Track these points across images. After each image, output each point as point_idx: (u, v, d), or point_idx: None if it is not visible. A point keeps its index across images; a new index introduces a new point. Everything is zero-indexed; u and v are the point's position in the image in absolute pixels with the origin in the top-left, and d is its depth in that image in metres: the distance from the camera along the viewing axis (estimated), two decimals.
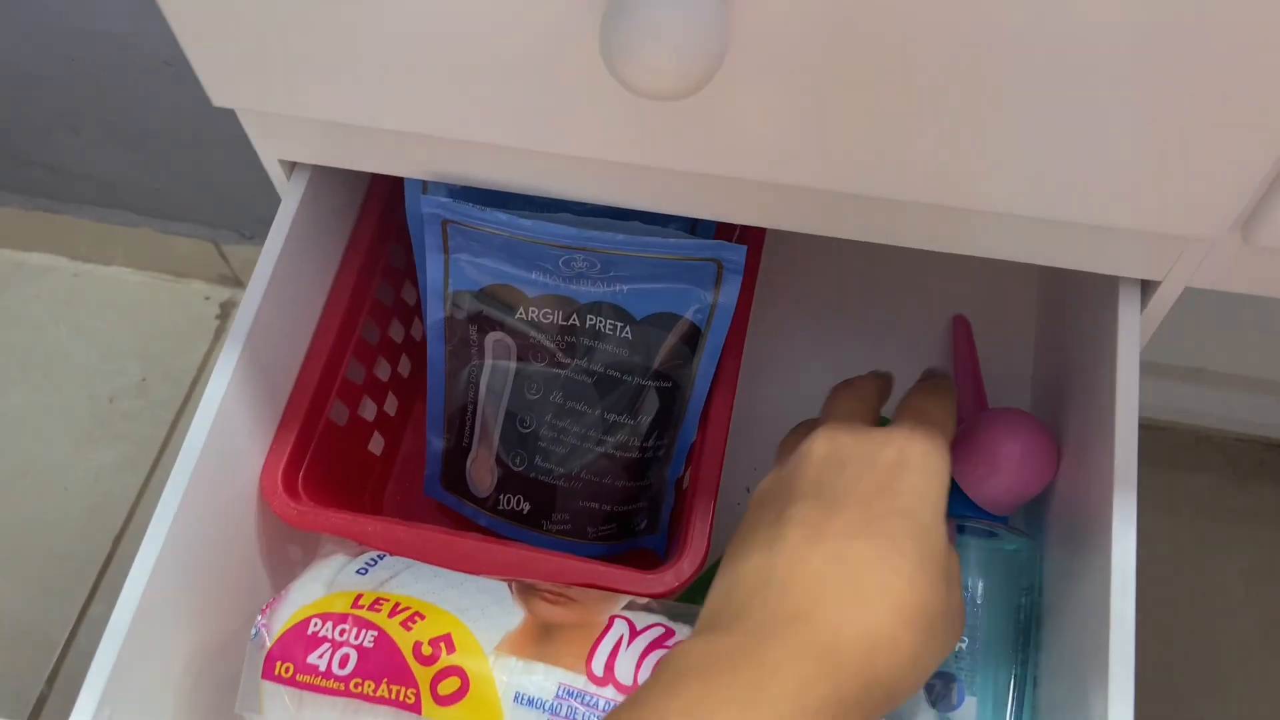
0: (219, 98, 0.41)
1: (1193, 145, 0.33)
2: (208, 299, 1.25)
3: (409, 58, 0.36)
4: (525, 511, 0.51)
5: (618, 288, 0.46)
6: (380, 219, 0.51)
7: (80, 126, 1.07)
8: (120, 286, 1.25)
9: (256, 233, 1.19)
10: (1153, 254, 0.39)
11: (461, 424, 0.51)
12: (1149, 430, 1.04)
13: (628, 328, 0.47)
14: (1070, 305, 0.51)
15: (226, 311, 1.25)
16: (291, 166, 0.47)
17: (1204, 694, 0.94)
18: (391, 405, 0.55)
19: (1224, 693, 0.95)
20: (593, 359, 0.48)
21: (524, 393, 0.49)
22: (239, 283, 1.25)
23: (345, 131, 0.42)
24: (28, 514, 1.11)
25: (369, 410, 0.53)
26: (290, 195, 0.46)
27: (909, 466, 0.35)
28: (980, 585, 0.47)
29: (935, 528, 0.34)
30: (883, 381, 0.43)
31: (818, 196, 0.40)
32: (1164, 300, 0.41)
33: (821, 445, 0.37)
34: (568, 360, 0.48)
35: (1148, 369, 0.92)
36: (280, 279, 0.45)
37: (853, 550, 0.33)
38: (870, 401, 0.41)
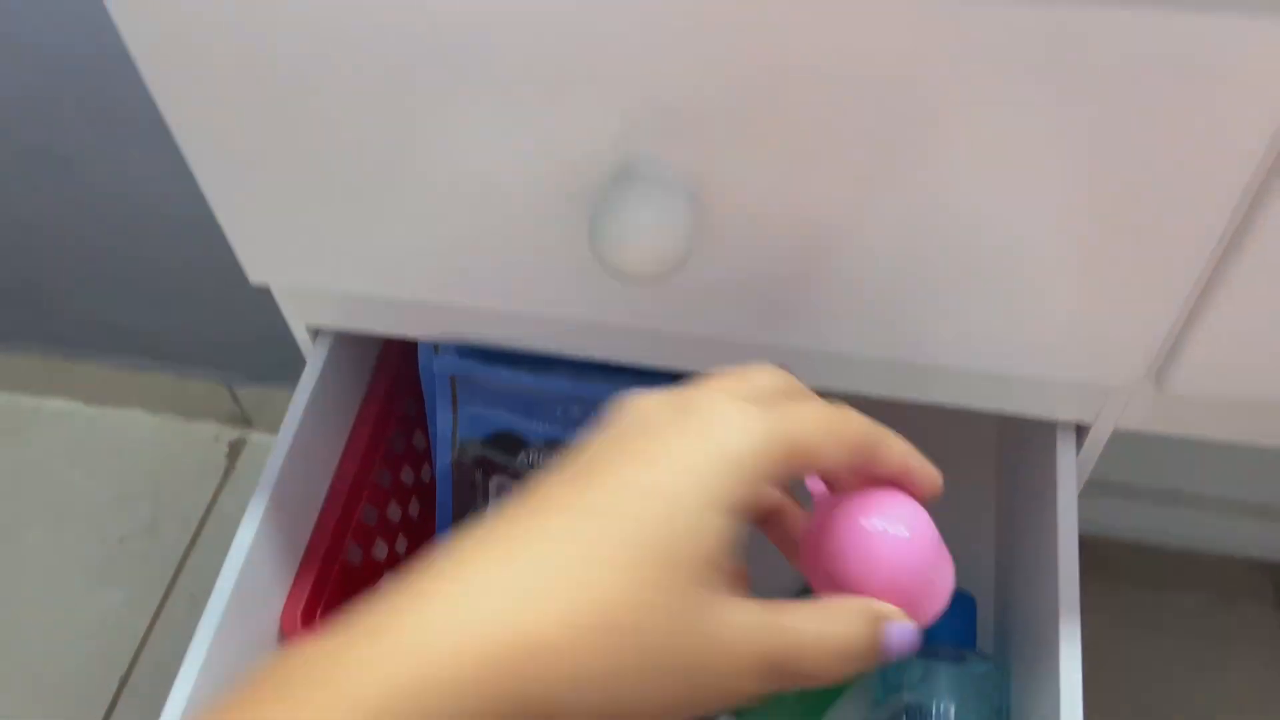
0: (255, 275, 0.47)
1: (1105, 306, 0.38)
2: (218, 439, 1.29)
3: (428, 241, 0.42)
4: None
5: None
6: (394, 374, 0.57)
7: (105, 281, 1.13)
8: (134, 428, 1.30)
9: (268, 374, 1.23)
10: (1081, 401, 0.44)
11: None
12: (1137, 551, 1.07)
13: None
14: (1020, 445, 0.56)
15: (236, 451, 1.29)
16: (316, 332, 0.52)
17: None
18: (402, 545, 0.59)
19: None
20: None
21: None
22: (249, 423, 1.29)
23: (367, 301, 0.48)
24: (36, 654, 1.12)
25: (381, 551, 0.57)
26: (315, 357, 0.52)
27: (691, 434, 0.26)
28: (951, 709, 0.50)
29: (687, 515, 0.24)
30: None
31: (785, 353, 0.45)
32: (1096, 442, 0.46)
33: (620, 412, 0.28)
34: None
35: (1130, 491, 0.96)
36: (304, 432, 0.50)
37: (552, 528, 0.24)
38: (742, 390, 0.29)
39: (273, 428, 1.29)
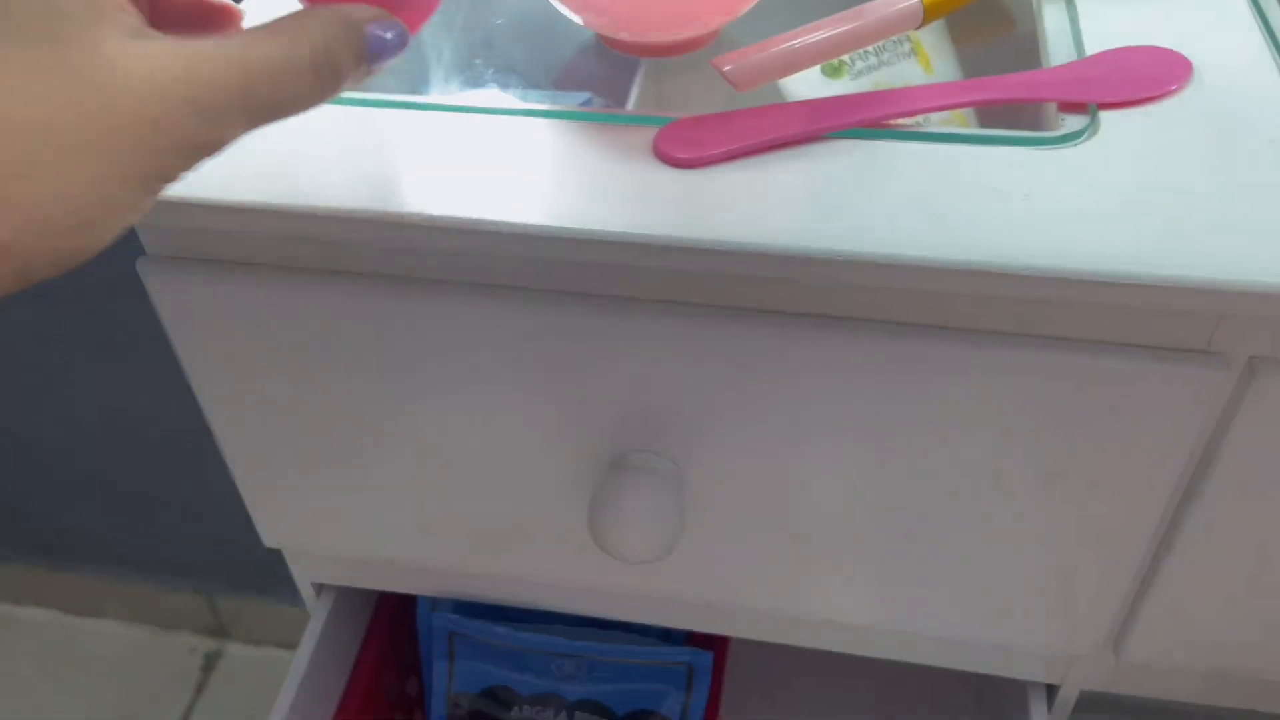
0: (270, 540, 0.49)
1: (1064, 584, 0.42)
2: (193, 650, 1.28)
3: (431, 511, 0.45)
4: None
5: (601, 687, 0.53)
6: (391, 622, 0.59)
7: (93, 494, 1.14)
8: (108, 641, 1.28)
9: (249, 585, 1.23)
10: (1048, 665, 0.47)
11: None
12: None
13: None
14: (998, 700, 0.58)
15: (211, 663, 1.27)
16: (320, 588, 0.54)
17: None
18: (413, 687, 0.59)
19: None
20: None
21: None
22: (226, 634, 1.28)
23: (372, 562, 0.50)
24: None
25: (394, 691, 0.57)
26: (318, 612, 0.54)
27: None
28: None
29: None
30: None
31: (770, 616, 0.48)
32: (1065, 702, 0.49)
33: None
34: None
35: (1118, 705, 0.96)
36: (306, 686, 0.52)
37: None
38: None
39: (249, 638, 1.27)
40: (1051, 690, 0.49)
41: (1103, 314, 0.34)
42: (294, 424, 0.43)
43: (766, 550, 0.43)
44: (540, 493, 0.43)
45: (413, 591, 0.52)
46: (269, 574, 1.22)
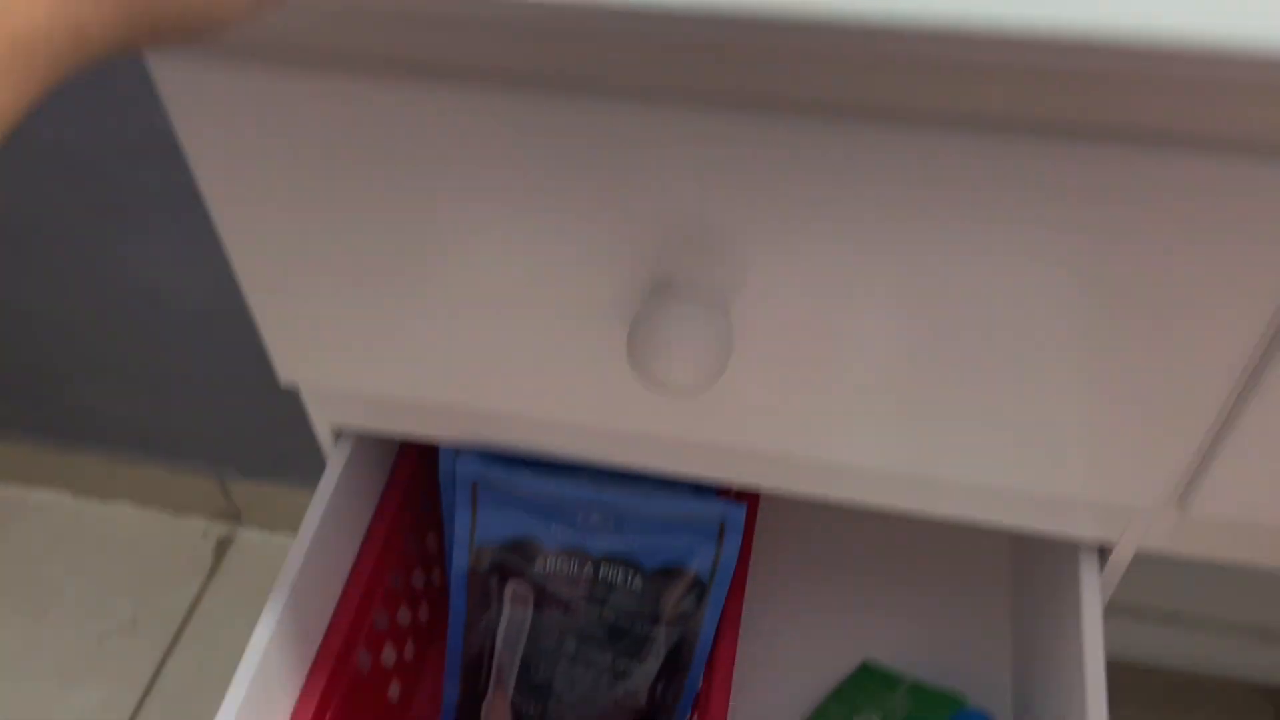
0: (286, 375, 0.47)
1: (1131, 427, 0.39)
2: (205, 535, 1.27)
3: (459, 346, 0.43)
4: None
5: (629, 541, 0.51)
6: (411, 475, 0.56)
7: (102, 372, 1.13)
8: (120, 523, 1.28)
9: (260, 470, 1.22)
10: (1104, 522, 0.45)
11: (478, 671, 0.54)
12: (1139, 673, 1.06)
13: (638, 578, 0.51)
14: (1037, 562, 0.56)
15: (223, 548, 1.27)
16: (339, 433, 0.52)
17: None
18: (410, 651, 0.58)
19: None
20: (605, 608, 0.52)
21: (539, 641, 0.53)
22: (239, 519, 1.28)
23: (393, 403, 0.48)
24: None
25: (389, 657, 0.56)
26: (336, 457, 0.51)
27: None
28: None
29: None
30: None
31: (805, 463, 0.45)
32: (1119, 563, 0.46)
33: None
34: (582, 609, 0.52)
35: (1134, 612, 0.95)
36: (323, 533, 0.50)
37: None
38: None
39: (263, 524, 1.27)
40: (1104, 552, 0.47)
41: (1213, 100, 0.30)
42: (312, 245, 0.40)
43: (807, 390, 0.41)
44: (575, 320, 0.40)
45: (435, 439, 0.49)
46: (282, 460, 1.21)
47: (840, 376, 0.40)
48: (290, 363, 0.46)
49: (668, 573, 0.51)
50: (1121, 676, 1.06)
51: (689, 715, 0.53)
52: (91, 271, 1.01)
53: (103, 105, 0.84)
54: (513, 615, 0.53)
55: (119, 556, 1.25)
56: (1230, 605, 1.01)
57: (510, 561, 0.52)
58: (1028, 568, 0.59)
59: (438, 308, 0.41)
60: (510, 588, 0.53)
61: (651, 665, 0.52)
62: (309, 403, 0.50)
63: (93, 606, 1.20)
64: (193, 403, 1.15)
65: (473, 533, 0.52)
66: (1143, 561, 1.00)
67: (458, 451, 0.51)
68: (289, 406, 1.11)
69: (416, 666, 0.59)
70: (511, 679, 0.53)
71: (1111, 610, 1.00)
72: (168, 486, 1.26)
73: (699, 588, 0.51)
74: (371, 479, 0.55)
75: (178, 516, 1.28)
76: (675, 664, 0.52)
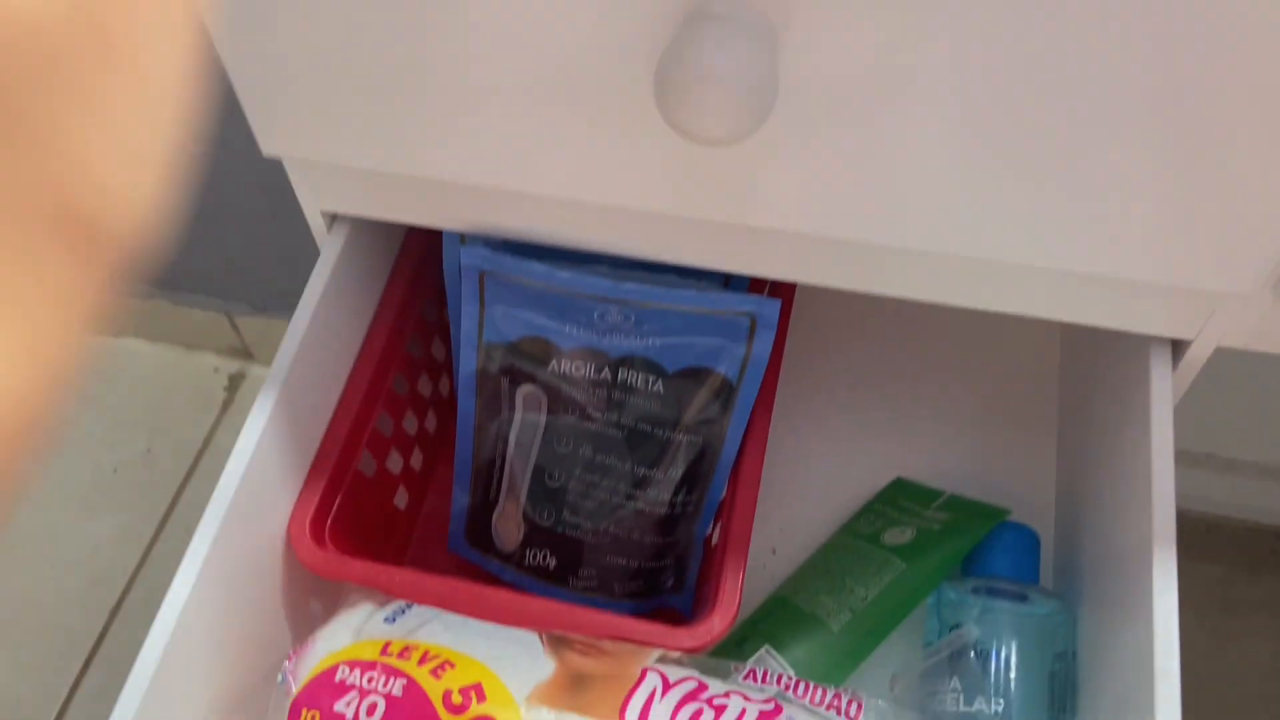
0: (268, 146, 0.42)
1: (1226, 199, 0.34)
2: (217, 371, 1.26)
3: (457, 108, 0.37)
4: (552, 567, 0.51)
5: (650, 341, 0.47)
6: (414, 273, 0.52)
7: None
8: (131, 358, 1.26)
9: (270, 305, 1.20)
10: (1184, 312, 0.40)
11: (489, 478, 0.51)
12: None
13: (660, 381, 0.47)
14: (1096, 365, 0.51)
15: (235, 384, 1.25)
16: (332, 219, 0.47)
17: None
18: (417, 460, 0.55)
19: None
20: (624, 414, 0.48)
21: (553, 447, 0.49)
22: (249, 355, 1.26)
23: (388, 182, 0.43)
24: (24, 585, 1.09)
25: (395, 464, 0.53)
26: (330, 246, 0.47)
27: None
28: (1012, 650, 0.46)
29: None
30: None
31: (850, 250, 0.41)
32: (1195, 360, 0.42)
33: None
34: (598, 414, 0.48)
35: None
36: (316, 328, 0.46)
37: None
38: None
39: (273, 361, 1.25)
40: (1177, 348, 0.43)
41: None
42: None
43: (855, 157, 0.35)
44: (595, 64, 0.34)
45: (437, 225, 0.44)
46: (291, 295, 1.18)
47: (893, 141, 0.35)
48: (272, 131, 0.41)
49: (692, 374, 0.47)
50: None
51: (711, 526, 0.50)
52: None
53: None
54: (525, 420, 0.50)
55: (132, 392, 1.24)
56: (1256, 447, 0.98)
57: (521, 363, 0.48)
58: (1082, 373, 0.54)
59: (432, 55, 0.36)
60: (522, 391, 0.49)
61: (673, 473, 0.49)
62: (296, 183, 0.45)
63: (107, 439, 1.19)
64: (197, 237, 1.11)
65: (480, 330, 0.48)
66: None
67: (463, 238, 0.47)
68: (295, 239, 1.07)
69: (425, 476, 0.56)
70: (524, 487, 0.50)
71: None
72: (177, 322, 1.24)
73: (726, 391, 0.47)
74: (371, 272, 0.51)
75: (189, 352, 1.26)
76: (697, 472, 0.49)
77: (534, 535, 0.51)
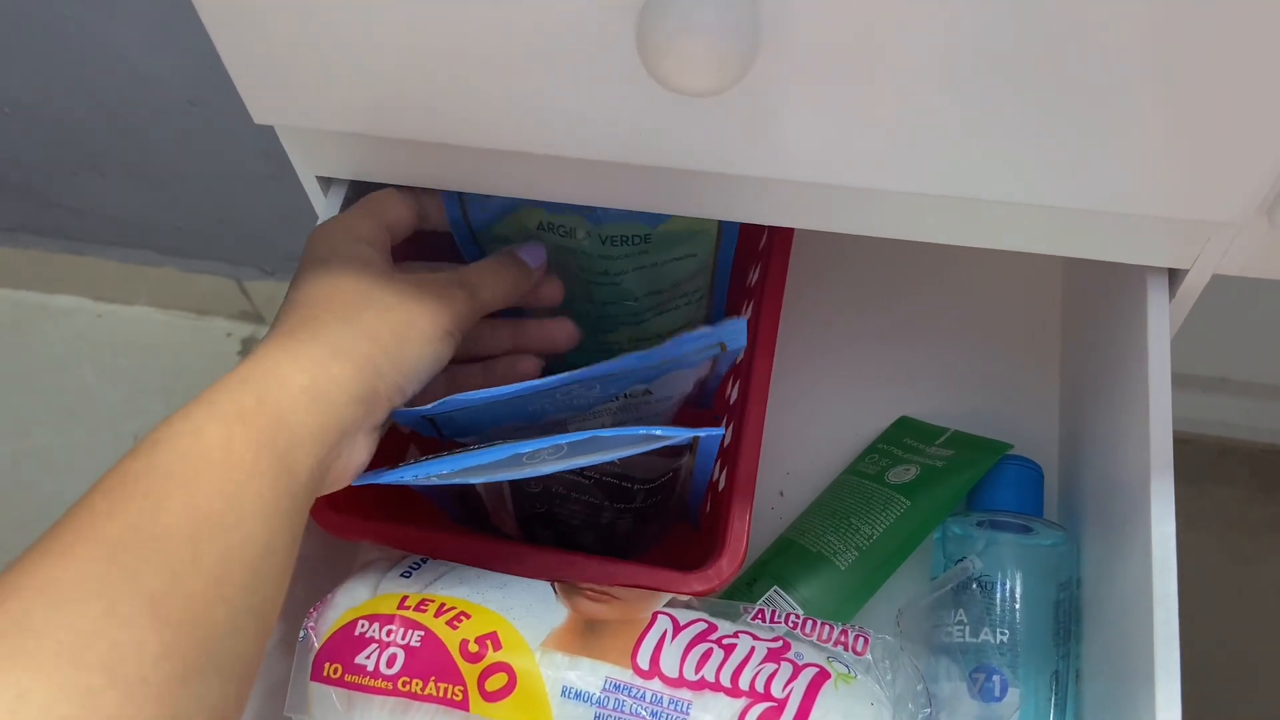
0: (259, 115, 0.42)
1: (1216, 127, 0.34)
2: (229, 335, 1.27)
3: (443, 69, 0.38)
4: (554, 540, 0.51)
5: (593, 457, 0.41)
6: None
7: (105, 168, 1.09)
8: (143, 325, 1.27)
9: (278, 268, 1.20)
10: (1179, 241, 0.40)
11: (469, 506, 0.50)
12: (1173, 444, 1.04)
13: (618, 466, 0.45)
14: (1095, 298, 0.51)
15: (248, 348, 1.26)
16: (328, 183, 0.48)
17: (1239, 706, 0.93)
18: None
19: (1260, 704, 0.94)
20: (587, 491, 0.47)
21: (525, 490, 0.48)
22: (260, 319, 1.26)
23: (380, 146, 0.43)
24: None
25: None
26: (327, 212, 0.47)
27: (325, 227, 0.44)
28: (1017, 581, 0.47)
29: (352, 247, 0.42)
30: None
31: (845, 194, 0.41)
32: (1192, 289, 0.42)
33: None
34: (560, 489, 0.47)
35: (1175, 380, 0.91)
36: None
37: (311, 327, 0.39)
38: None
39: None
40: (1174, 277, 0.43)
41: None
42: None
43: (845, 96, 0.35)
44: (580, 13, 0.34)
45: (432, 185, 0.45)
46: (297, 257, 1.18)
47: (883, 83, 0.35)
48: (262, 100, 0.41)
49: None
50: None
51: (717, 470, 0.50)
52: (83, 61, 0.95)
53: None
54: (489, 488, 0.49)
55: (146, 358, 1.25)
56: (1268, 368, 0.98)
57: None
58: (1083, 306, 0.54)
59: (417, 16, 0.36)
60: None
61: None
62: (290, 149, 0.45)
63: (125, 407, 1.21)
64: (203, 204, 1.11)
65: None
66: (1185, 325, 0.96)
67: (461, 199, 0.47)
68: (301, 203, 1.07)
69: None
70: (509, 508, 0.50)
71: None
72: (187, 289, 1.24)
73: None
74: None
75: (200, 318, 1.27)
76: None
77: (530, 523, 0.51)
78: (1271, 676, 0.95)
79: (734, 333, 0.43)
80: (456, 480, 0.40)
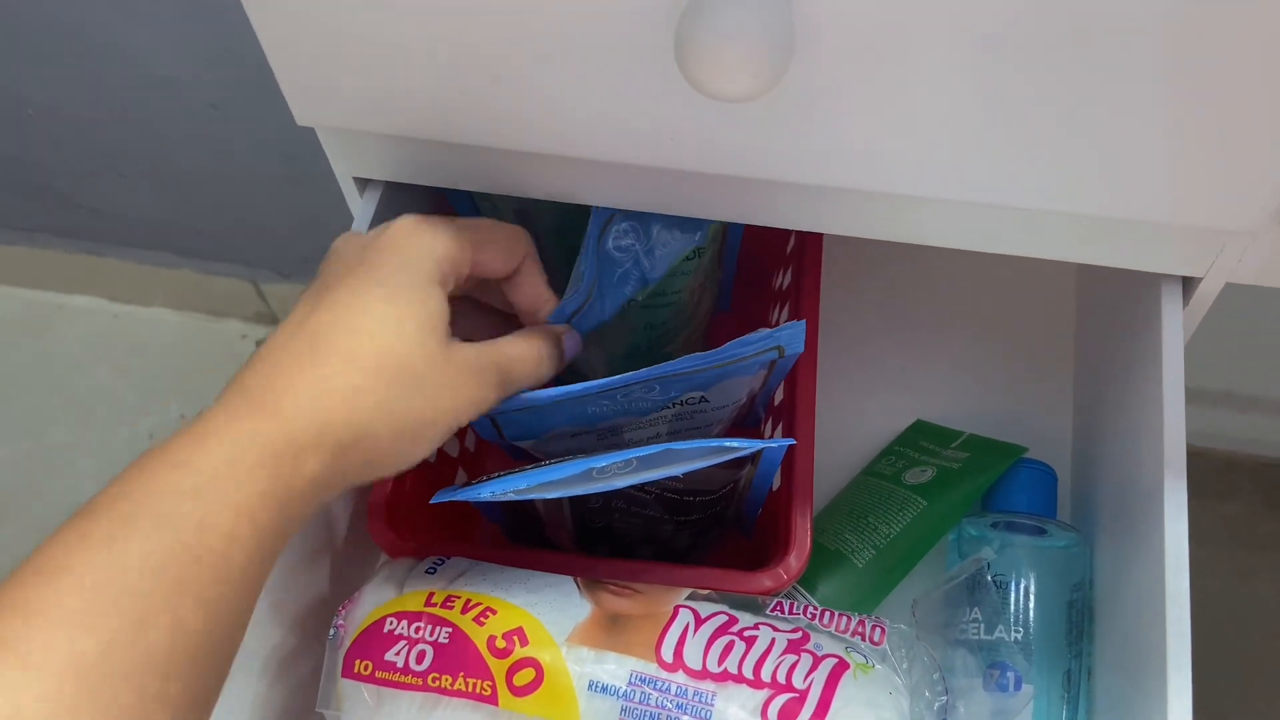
0: (302, 117, 0.43)
1: (1231, 136, 0.35)
2: (245, 337, 1.27)
3: (484, 73, 0.39)
4: (611, 553, 0.51)
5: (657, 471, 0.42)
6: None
7: (124, 169, 1.10)
8: (160, 326, 1.28)
9: (295, 271, 1.21)
10: (1193, 249, 0.41)
11: (525, 524, 0.51)
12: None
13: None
14: (1110, 304, 0.52)
15: None
16: (365, 184, 0.49)
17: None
18: (471, 441, 0.55)
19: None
20: (648, 505, 0.48)
21: (586, 505, 0.49)
22: (276, 321, 1.28)
23: (419, 148, 0.44)
24: None
25: (452, 447, 0.53)
26: (363, 212, 0.48)
27: (391, 238, 0.38)
28: (1031, 581, 0.48)
29: (411, 289, 0.36)
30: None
31: (868, 200, 0.42)
32: (1205, 297, 0.43)
33: (334, 246, 0.40)
34: (621, 504, 0.48)
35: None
36: None
37: (318, 324, 0.35)
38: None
39: None
40: (1188, 285, 0.44)
41: None
42: None
43: (871, 103, 0.37)
44: (618, 19, 0.36)
45: (469, 187, 0.46)
46: (314, 260, 1.19)
47: (907, 91, 0.36)
48: (306, 101, 0.42)
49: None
50: None
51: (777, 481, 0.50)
52: (105, 63, 0.96)
53: None
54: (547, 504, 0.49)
55: (162, 359, 1.26)
56: (1275, 383, 0.98)
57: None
58: (1097, 312, 0.55)
59: (459, 20, 0.37)
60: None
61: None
62: (329, 150, 0.46)
63: (141, 407, 1.22)
64: (221, 205, 1.12)
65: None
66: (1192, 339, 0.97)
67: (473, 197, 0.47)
68: (318, 205, 1.08)
69: (480, 456, 0.56)
70: (568, 525, 0.51)
71: None
72: (203, 290, 1.25)
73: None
74: None
75: (216, 320, 1.28)
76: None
77: (588, 536, 0.51)
78: (1275, 692, 0.96)
79: (792, 337, 0.43)
80: (531, 496, 0.40)
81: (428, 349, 0.36)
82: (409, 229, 0.39)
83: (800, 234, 0.51)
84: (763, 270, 0.54)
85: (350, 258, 0.39)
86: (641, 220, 0.46)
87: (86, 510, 0.30)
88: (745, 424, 0.53)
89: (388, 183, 0.49)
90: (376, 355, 0.35)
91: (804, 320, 0.44)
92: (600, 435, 0.46)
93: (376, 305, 0.36)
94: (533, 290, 0.43)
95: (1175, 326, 0.43)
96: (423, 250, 0.38)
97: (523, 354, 0.41)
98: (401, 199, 0.50)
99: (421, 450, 0.37)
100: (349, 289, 0.36)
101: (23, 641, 0.27)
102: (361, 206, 0.49)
